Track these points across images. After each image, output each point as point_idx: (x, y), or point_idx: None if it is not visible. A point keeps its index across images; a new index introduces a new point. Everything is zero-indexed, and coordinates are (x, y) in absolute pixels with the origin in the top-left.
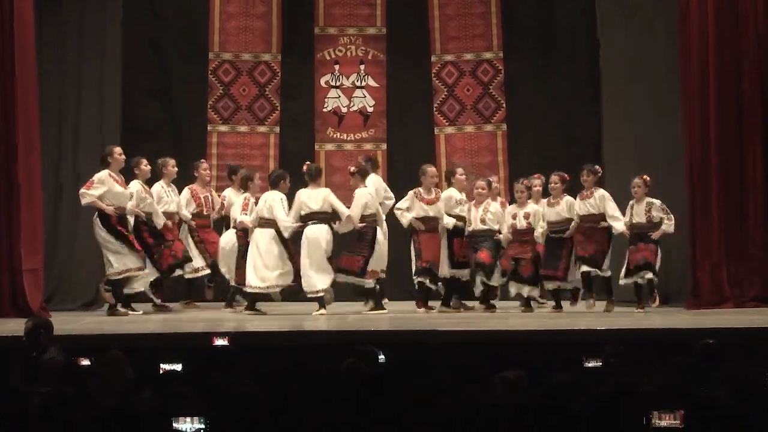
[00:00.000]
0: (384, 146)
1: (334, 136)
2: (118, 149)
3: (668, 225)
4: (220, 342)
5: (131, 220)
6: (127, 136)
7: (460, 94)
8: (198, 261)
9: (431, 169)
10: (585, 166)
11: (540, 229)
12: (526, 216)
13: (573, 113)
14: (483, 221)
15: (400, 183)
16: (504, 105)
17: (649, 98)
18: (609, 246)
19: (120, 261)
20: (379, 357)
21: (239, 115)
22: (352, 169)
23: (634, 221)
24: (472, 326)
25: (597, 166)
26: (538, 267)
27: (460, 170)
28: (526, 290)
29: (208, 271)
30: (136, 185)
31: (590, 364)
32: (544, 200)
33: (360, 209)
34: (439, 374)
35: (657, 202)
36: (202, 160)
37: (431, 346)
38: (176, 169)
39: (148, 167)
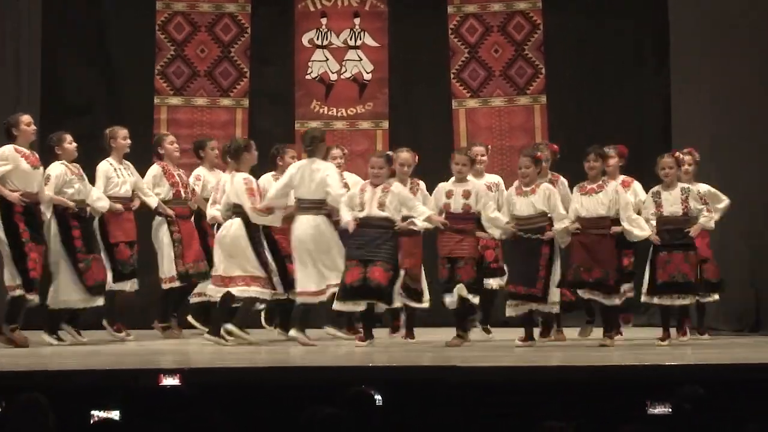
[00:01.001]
0: (386, 125)
1: (321, 111)
2: (26, 117)
3: (707, 218)
4: (169, 381)
5: (48, 213)
6: (49, 113)
7: (486, 57)
8: (167, 269)
9: (404, 155)
10: (590, 148)
11: (496, 226)
12: (465, 194)
13: (633, 82)
14: (382, 205)
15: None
16: (543, 71)
17: (734, 62)
18: (618, 258)
19: (8, 272)
20: (376, 400)
21: (196, 84)
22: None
23: (664, 214)
24: (501, 361)
25: (608, 149)
26: (481, 269)
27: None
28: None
29: (177, 284)
30: (58, 167)
31: (656, 411)
32: (554, 185)
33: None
34: (458, 425)
35: (695, 187)
36: (167, 133)
37: (447, 387)
38: (129, 141)
39: (73, 145)
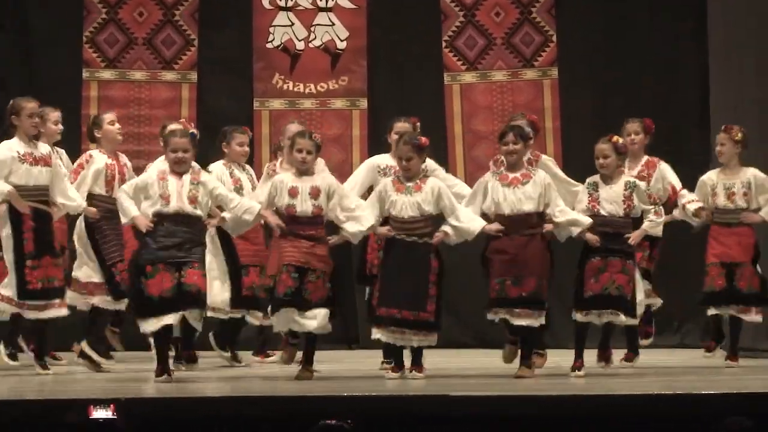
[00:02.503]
0: (364, 103)
1: (285, 86)
2: None
3: (653, 224)
4: (100, 413)
5: None
6: None
7: (485, 21)
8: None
9: (292, 127)
10: (507, 126)
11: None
12: (314, 193)
13: (664, 50)
14: (193, 200)
15: None
16: (555, 38)
17: None
18: (549, 267)
19: None
20: None
21: (133, 54)
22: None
23: (601, 212)
24: (500, 389)
25: (527, 128)
26: (339, 290)
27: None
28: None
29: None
30: None
31: None
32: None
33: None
34: None
35: (642, 183)
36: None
37: (437, 421)
38: (60, 126)
39: None
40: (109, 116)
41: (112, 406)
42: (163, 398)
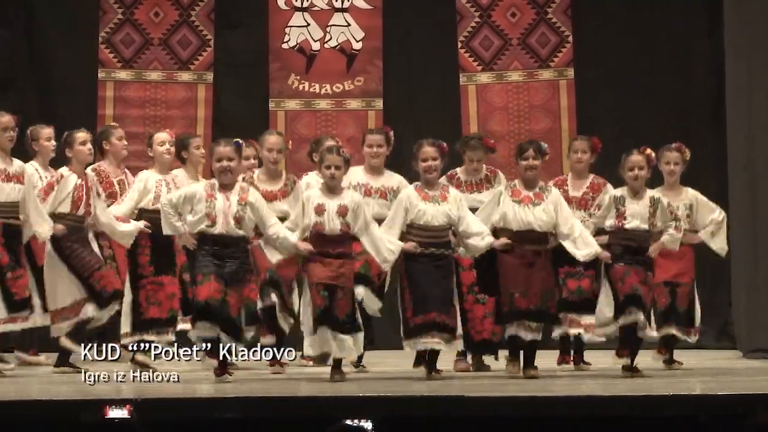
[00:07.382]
0: (379, 104)
1: (301, 87)
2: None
3: (671, 237)
4: (116, 413)
5: None
6: None
7: (501, 22)
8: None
9: (272, 139)
10: (526, 143)
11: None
12: (342, 211)
13: (679, 50)
14: (239, 221)
15: (406, 162)
16: (571, 39)
17: None
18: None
19: None
20: None
21: (149, 55)
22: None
23: (626, 226)
24: (516, 391)
25: (578, 140)
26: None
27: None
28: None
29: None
30: None
31: None
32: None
33: None
34: None
35: (665, 198)
36: (115, 125)
37: (452, 422)
38: (53, 143)
39: (8, 134)
40: (81, 136)
41: (127, 406)
42: (178, 399)
